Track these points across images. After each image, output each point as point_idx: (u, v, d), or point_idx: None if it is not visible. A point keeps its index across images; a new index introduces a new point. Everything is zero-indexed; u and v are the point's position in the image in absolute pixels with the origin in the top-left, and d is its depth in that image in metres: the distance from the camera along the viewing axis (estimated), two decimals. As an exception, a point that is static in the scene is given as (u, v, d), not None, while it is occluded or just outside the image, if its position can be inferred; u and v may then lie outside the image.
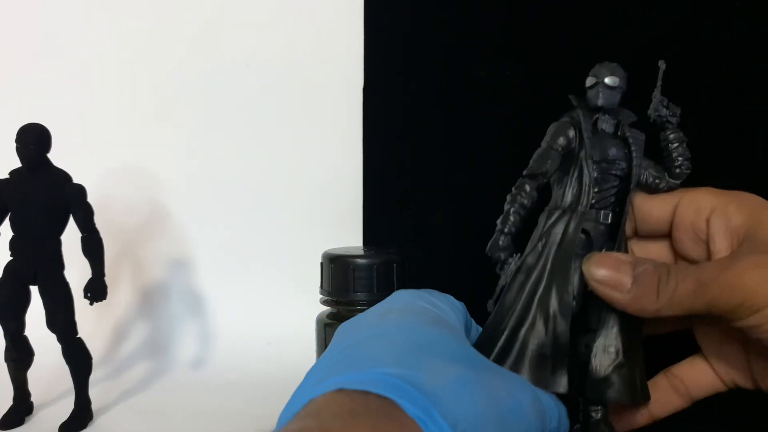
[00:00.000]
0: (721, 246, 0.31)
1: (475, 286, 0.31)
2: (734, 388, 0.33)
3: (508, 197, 0.31)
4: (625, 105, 0.32)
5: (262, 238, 0.72)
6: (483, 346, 0.30)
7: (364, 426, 0.20)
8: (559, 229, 0.30)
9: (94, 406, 0.55)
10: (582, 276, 0.30)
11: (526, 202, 0.31)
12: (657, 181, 0.33)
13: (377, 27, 0.61)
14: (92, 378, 0.55)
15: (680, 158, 0.32)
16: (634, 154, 0.31)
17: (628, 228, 0.33)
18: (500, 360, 0.30)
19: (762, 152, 0.44)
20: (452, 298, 0.31)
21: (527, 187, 0.31)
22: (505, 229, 0.31)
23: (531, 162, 0.31)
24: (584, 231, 0.31)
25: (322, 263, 0.44)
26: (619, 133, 0.31)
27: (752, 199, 0.31)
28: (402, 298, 0.29)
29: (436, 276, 0.55)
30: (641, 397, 0.31)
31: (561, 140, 0.31)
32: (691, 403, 0.34)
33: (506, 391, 0.24)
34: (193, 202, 0.73)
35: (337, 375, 0.23)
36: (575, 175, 0.31)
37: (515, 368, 0.29)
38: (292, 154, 0.70)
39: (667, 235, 0.34)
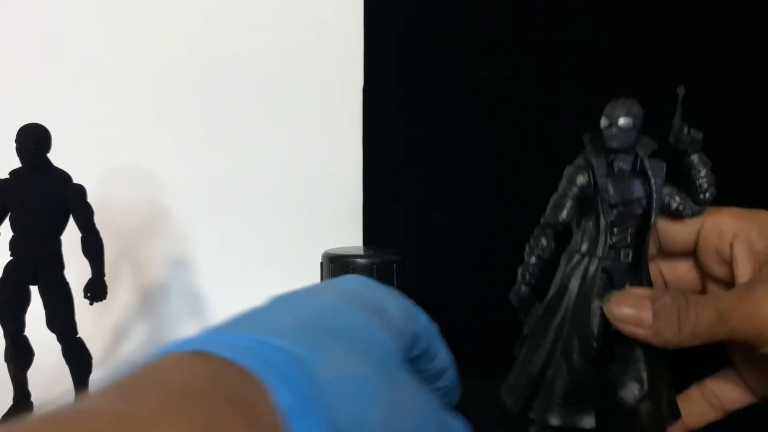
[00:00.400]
0: (744, 270, 0.31)
1: (474, 285, 0.31)
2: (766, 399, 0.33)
3: (527, 247, 0.32)
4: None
5: (262, 238, 0.72)
6: (512, 388, 0.32)
7: (188, 415, 0.15)
8: (578, 275, 0.31)
9: (94, 406, 0.55)
10: (604, 315, 0.30)
11: (543, 253, 0.32)
12: (680, 207, 0.32)
13: (377, 27, 0.61)
14: (92, 378, 0.55)
15: (705, 185, 0.32)
16: (654, 188, 0.31)
17: (652, 248, 0.34)
18: (529, 401, 0.31)
19: None
20: (424, 315, 0.26)
21: (544, 240, 0.32)
22: (526, 279, 0.32)
23: (547, 210, 0.32)
24: (605, 270, 0.31)
25: (322, 263, 0.44)
26: (638, 168, 0.31)
27: None
28: (349, 282, 0.26)
29: (435, 276, 0.55)
30: (669, 421, 0.31)
31: (575, 188, 0.31)
32: (725, 415, 0.34)
33: (413, 407, 0.21)
34: (193, 202, 0.73)
35: (214, 333, 0.18)
36: (592, 219, 0.31)
37: (544, 409, 0.31)
38: (292, 155, 0.70)
39: (692, 252, 0.34)
